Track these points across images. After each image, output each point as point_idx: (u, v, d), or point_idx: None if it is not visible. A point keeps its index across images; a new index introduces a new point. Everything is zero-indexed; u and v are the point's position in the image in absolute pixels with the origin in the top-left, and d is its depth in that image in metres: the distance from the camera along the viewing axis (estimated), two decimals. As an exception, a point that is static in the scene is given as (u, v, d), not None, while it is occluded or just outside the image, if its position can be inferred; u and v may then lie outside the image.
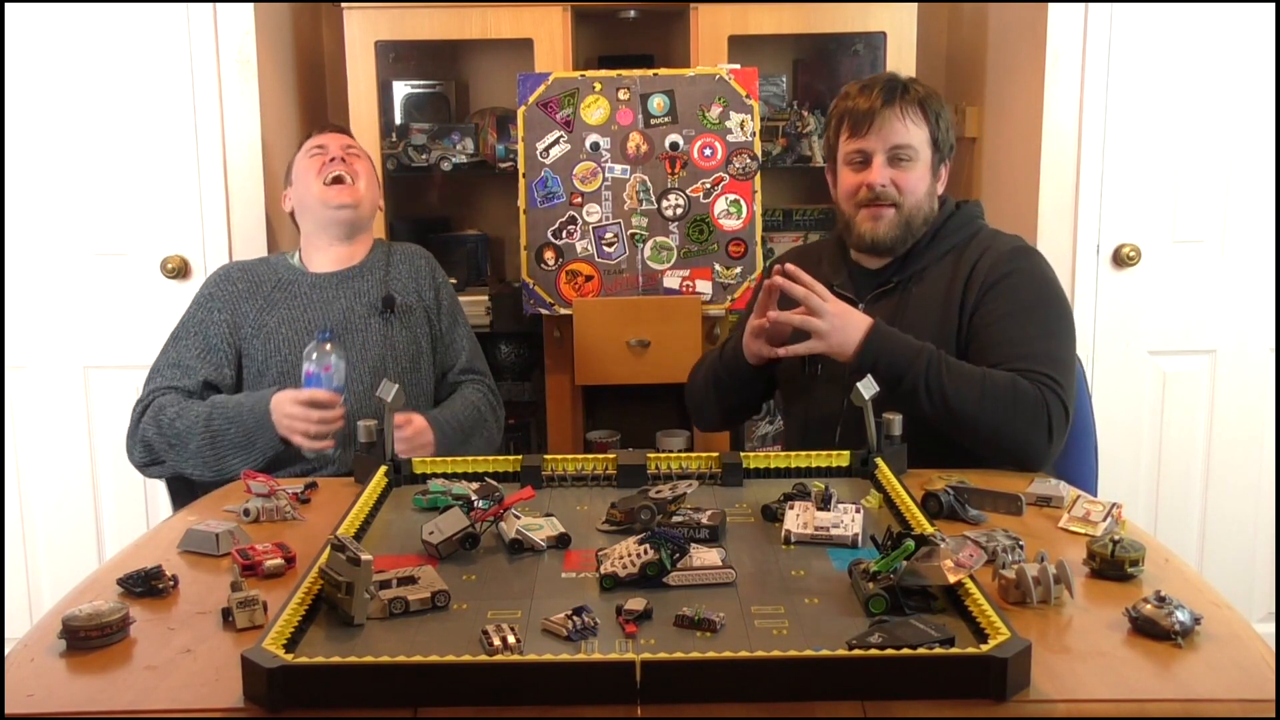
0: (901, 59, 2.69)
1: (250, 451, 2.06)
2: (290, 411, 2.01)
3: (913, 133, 1.95)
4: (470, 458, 1.79)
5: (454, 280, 2.96)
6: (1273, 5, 2.66)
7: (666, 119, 2.53)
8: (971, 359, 1.89)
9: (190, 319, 2.25)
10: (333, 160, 2.27)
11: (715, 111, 2.53)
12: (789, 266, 1.89)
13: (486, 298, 2.89)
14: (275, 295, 2.25)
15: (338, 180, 2.26)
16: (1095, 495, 1.76)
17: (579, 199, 2.54)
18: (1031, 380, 1.81)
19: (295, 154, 2.36)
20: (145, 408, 2.15)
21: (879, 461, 1.71)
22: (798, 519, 1.50)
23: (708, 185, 2.54)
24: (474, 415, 2.25)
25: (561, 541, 1.48)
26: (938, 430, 1.83)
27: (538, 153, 2.54)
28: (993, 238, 2.01)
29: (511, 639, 1.15)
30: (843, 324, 1.85)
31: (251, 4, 2.71)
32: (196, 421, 2.08)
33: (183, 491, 2.22)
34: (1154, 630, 1.19)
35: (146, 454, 2.14)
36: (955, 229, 2.01)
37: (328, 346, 1.99)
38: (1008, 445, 1.81)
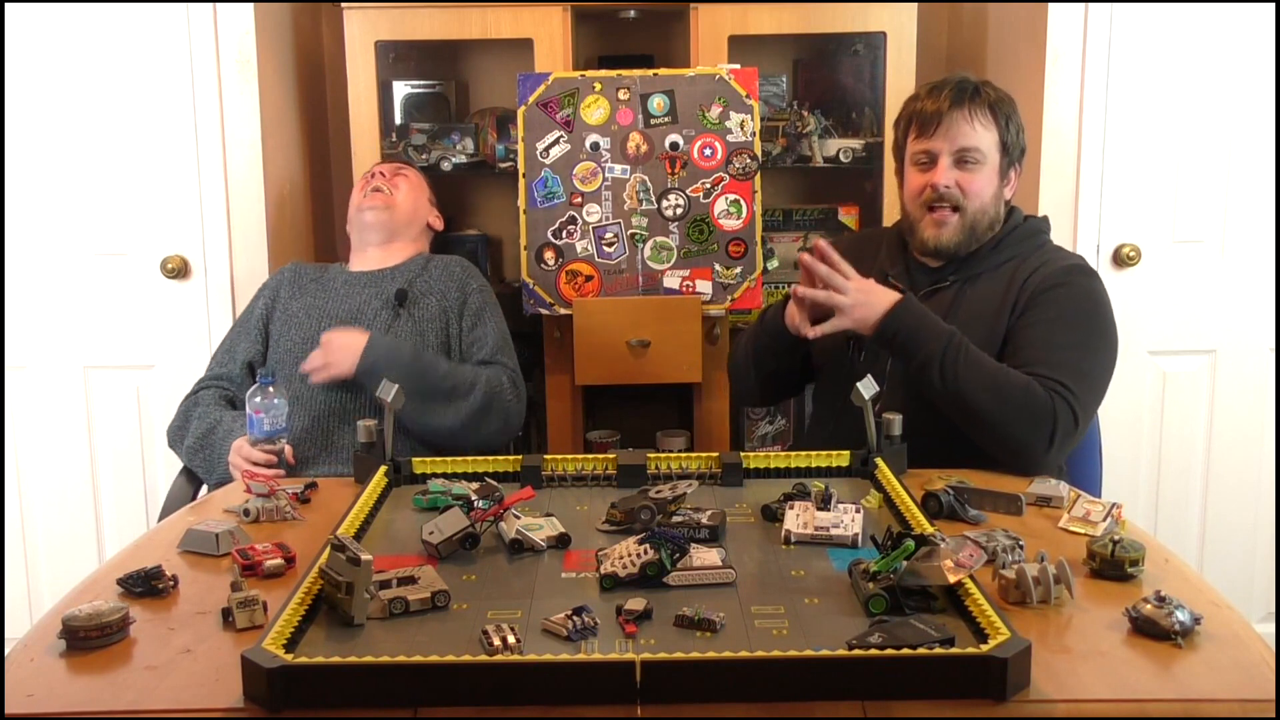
0: (901, 59, 2.69)
1: (218, 474, 2.21)
2: (235, 461, 2.11)
3: (980, 135, 1.95)
4: (470, 458, 1.79)
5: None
6: (1273, 5, 2.66)
7: (666, 119, 2.53)
8: (1004, 359, 1.89)
9: (249, 305, 2.46)
10: (374, 175, 2.49)
11: (715, 111, 2.53)
12: (819, 243, 1.91)
13: (486, 298, 2.88)
14: (310, 287, 2.41)
15: (376, 190, 2.46)
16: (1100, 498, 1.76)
17: (579, 199, 2.54)
18: (1048, 386, 1.80)
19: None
20: (194, 397, 2.33)
21: (879, 461, 1.71)
22: (798, 519, 1.50)
23: (708, 185, 2.54)
24: (471, 379, 2.22)
25: (561, 541, 1.48)
26: (945, 414, 1.82)
27: (538, 153, 2.54)
28: (1054, 253, 2.02)
29: (511, 639, 1.15)
30: (866, 299, 1.86)
31: (251, 4, 2.70)
32: (206, 419, 2.26)
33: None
34: (1154, 630, 1.19)
35: (172, 434, 2.33)
36: (1019, 239, 2.01)
37: (271, 389, 2.04)
38: (1007, 443, 1.81)
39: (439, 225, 2.59)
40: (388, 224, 2.43)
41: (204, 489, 2.28)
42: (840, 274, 1.88)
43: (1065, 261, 1.98)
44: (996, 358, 1.89)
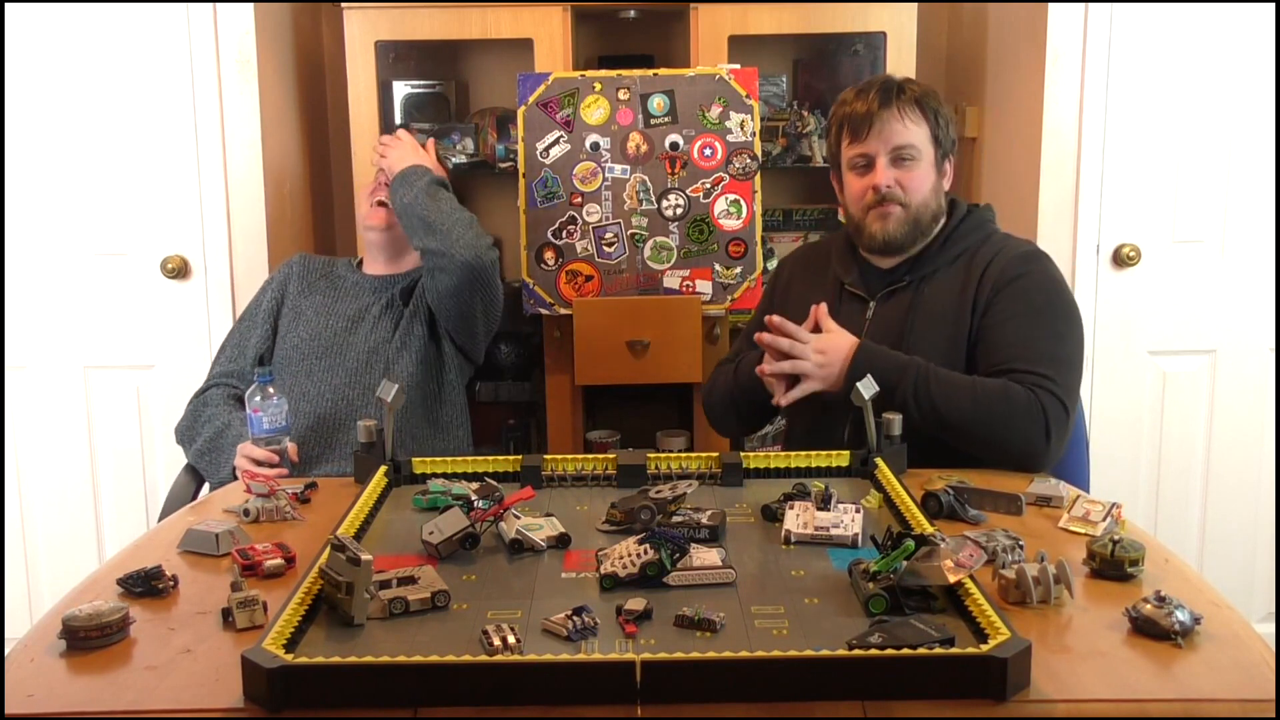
0: (901, 59, 2.69)
1: (225, 473, 2.21)
2: (239, 462, 2.11)
3: (913, 132, 1.96)
4: (470, 458, 1.79)
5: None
6: (1273, 5, 2.66)
7: (666, 119, 2.53)
8: (978, 359, 1.90)
9: (252, 303, 2.46)
10: (378, 186, 2.44)
11: (715, 111, 2.53)
12: (772, 320, 1.92)
13: (486, 298, 2.88)
14: (320, 284, 2.43)
15: (381, 204, 2.41)
16: (1088, 492, 1.76)
17: (579, 199, 2.54)
18: (1028, 382, 1.81)
19: None
20: (203, 394, 2.34)
21: (879, 461, 1.71)
22: (798, 519, 1.50)
23: (708, 185, 2.54)
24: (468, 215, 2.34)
25: (561, 541, 1.48)
26: (939, 440, 1.83)
27: (538, 153, 2.54)
28: (1004, 241, 2.02)
29: (511, 639, 1.15)
30: (826, 359, 1.88)
31: (251, 4, 2.70)
32: (218, 420, 2.26)
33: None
34: (1154, 630, 1.19)
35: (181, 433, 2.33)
36: (967, 232, 2.02)
37: (270, 389, 2.05)
38: (1006, 449, 1.81)
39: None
40: (391, 244, 2.44)
41: (205, 488, 2.28)
42: (799, 341, 1.89)
43: (1018, 249, 1.99)
44: (965, 354, 1.91)
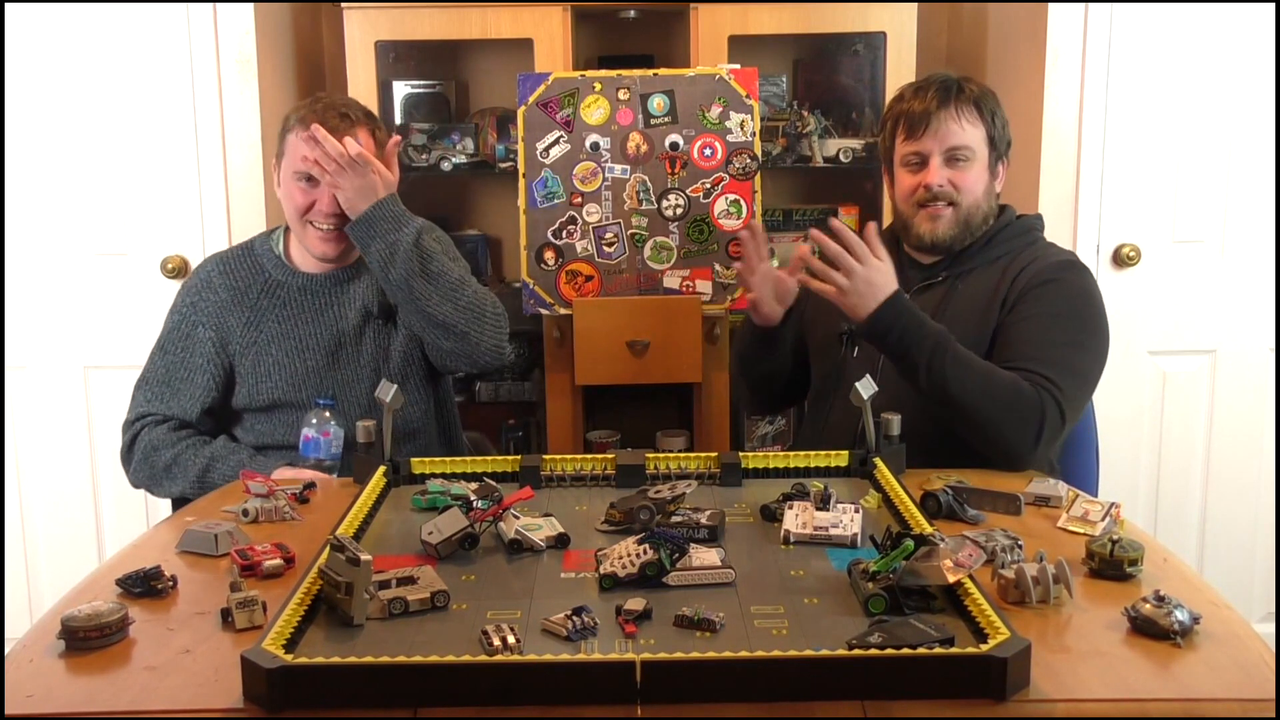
0: (901, 59, 2.69)
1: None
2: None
3: (969, 133, 1.96)
4: (469, 458, 1.79)
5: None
6: (1273, 5, 2.65)
7: (666, 119, 2.53)
8: (994, 354, 1.90)
9: (174, 332, 2.12)
10: (323, 212, 2.04)
11: (715, 111, 2.53)
12: (834, 222, 1.88)
13: (486, 298, 2.88)
14: (263, 303, 2.11)
15: (333, 228, 2.06)
16: (1097, 496, 1.76)
17: (579, 199, 2.54)
18: (1037, 383, 1.81)
19: (289, 125, 2.07)
20: (135, 437, 2.07)
21: (877, 461, 1.71)
22: (797, 519, 1.50)
23: (708, 185, 2.54)
24: (463, 274, 2.07)
25: (561, 541, 1.48)
26: (931, 408, 1.83)
27: (538, 153, 2.54)
28: (1046, 249, 2.02)
29: (511, 639, 1.15)
30: (866, 288, 1.84)
31: (251, 4, 2.71)
32: (191, 469, 2.02)
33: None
34: (1153, 630, 1.19)
35: (148, 484, 2.09)
36: (1012, 236, 2.02)
37: (328, 414, 1.97)
38: (993, 440, 1.82)
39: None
40: (336, 249, 2.09)
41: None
42: (855, 256, 1.84)
43: (1057, 257, 1.99)
44: (986, 353, 1.90)
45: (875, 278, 1.85)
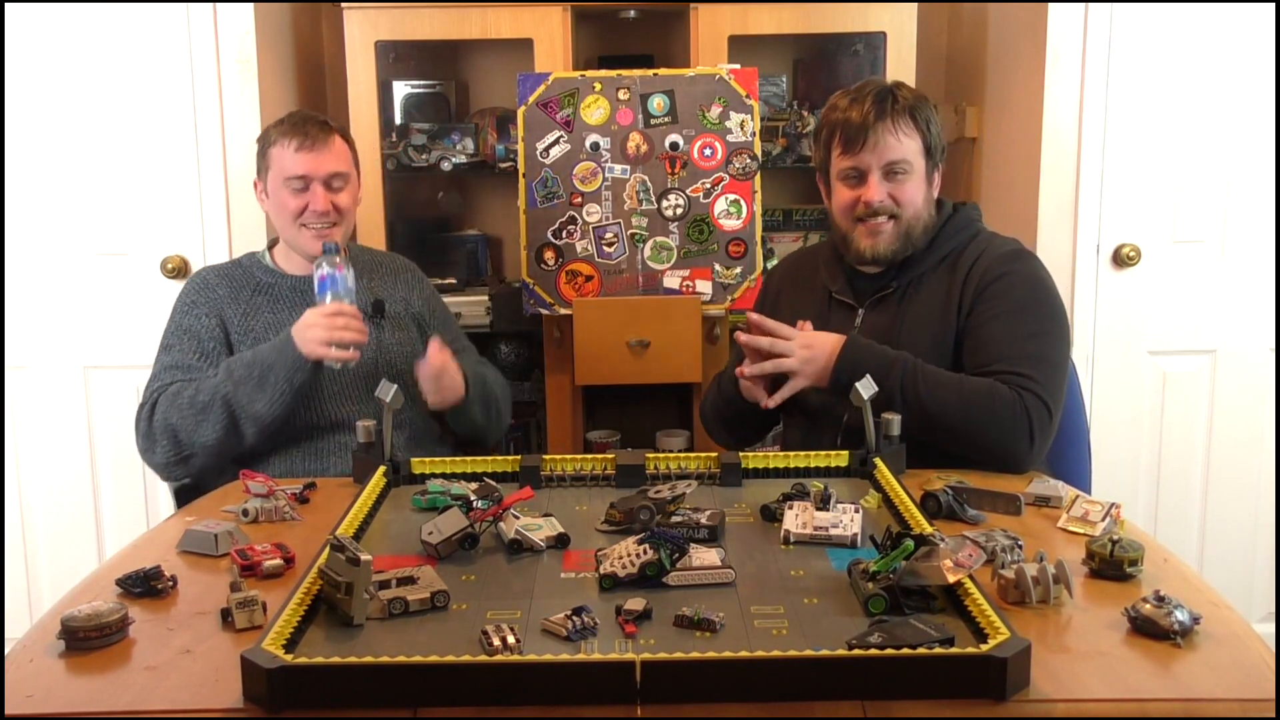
0: (901, 59, 2.69)
1: (274, 389, 2.00)
2: (313, 321, 1.98)
3: (906, 145, 1.93)
4: (469, 458, 1.79)
5: (453, 280, 2.97)
6: (1273, 5, 2.66)
7: (666, 119, 2.53)
8: (964, 360, 1.90)
9: (177, 327, 2.18)
10: (316, 212, 2.11)
11: (715, 111, 2.53)
12: (751, 316, 1.92)
13: (486, 298, 2.88)
14: (256, 300, 2.17)
15: (329, 228, 2.13)
16: (1089, 492, 1.76)
17: (579, 199, 2.54)
18: (1012, 383, 1.81)
19: (271, 140, 2.15)
20: (153, 404, 2.08)
21: (878, 461, 1.71)
22: (797, 519, 1.50)
23: (708, 185, 2.54)
24: (499, 390, 2.30)
25: (561, 541, 1.48)
26: (921, 437, 1.82)
27: (538, 153, 2.54)
28: (989, 240, 2.01)
29: (511, 639, 1.15)
30: (812, 354, 1.87)
31: (251, 4, 2.71)
32: (216, 382, 2.03)
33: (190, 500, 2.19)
34: (1153, 630, 1.19)
35: (172, 446, 2.05)
36: (953, 233, 2.01)
37: (337, 258, 2.00)
38: (990, 449, 1.81)
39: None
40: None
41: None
42: (781, 338, 1.88)
43: (1003, 248, 1.98)
44: (950, 355, 1.90)
45: (812, 340, 1.88)
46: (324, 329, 1.97)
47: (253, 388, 2.01)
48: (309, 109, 2.99)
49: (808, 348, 1.87)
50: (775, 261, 2.93)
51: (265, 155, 2.16)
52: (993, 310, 1.90)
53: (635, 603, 1.23)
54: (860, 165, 1.95)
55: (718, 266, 2.56)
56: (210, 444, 2.04)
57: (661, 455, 1.78)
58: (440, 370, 2.08)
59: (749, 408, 2.01)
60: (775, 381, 1.92)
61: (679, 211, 2.54)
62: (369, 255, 2.35)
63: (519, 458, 1.77)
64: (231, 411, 2.01)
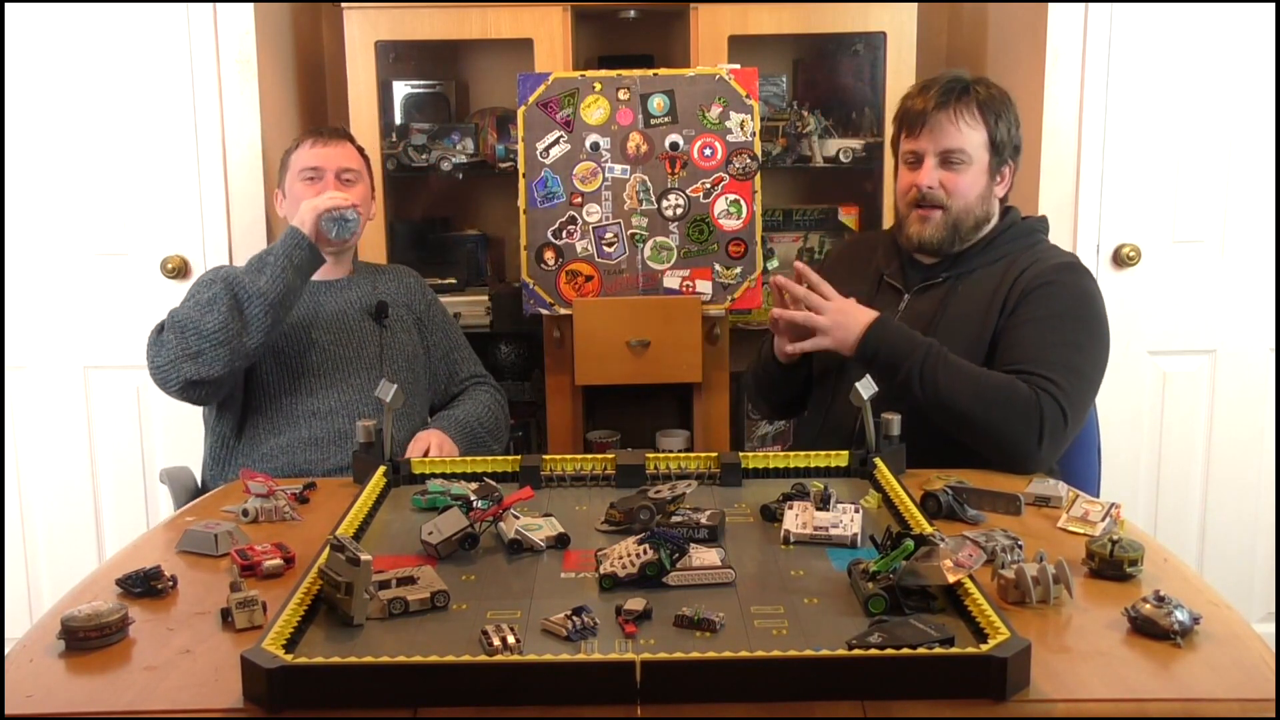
0: (901, 59, 2.69)
1: (274, 266, 2.04)
2: (317, 204, 2.10)
3: (966, 136, 1.95)
4: (469, 458, 1.79)
5: (453, 280, 2.97)
6: (1273, 5, 2.65)
7: (666, 119, 2.53)
8: (995, 359, 1.90)
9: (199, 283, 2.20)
10: (330, 191, 2.19)
11: (715, 111, 2.53)
12: (797, 265, 1.95)
13: (486, 298, 2.88)
14: None
15: (344, 220, 2.17)
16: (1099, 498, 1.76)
17: (579, 199, 2.54)
18: (1033, 383, 1.81)
19: (291, 150, 2.31)
20: (163, 323, 2.09)
21: (878, 461, 1.71)
22: (797, 519, 1.50)
23: (708, 185, 2.54)
24: (491, 417, 2.34)
25: (561, 541, 1.48)
26: (934, 423, 1.83)
27: (538, 153, 2.54)
28: (1047, 251, 2.02)
29: (511, 639, 1.15)
30: (844, 319, 1.90)
31: (251, 4, 2.70)
32: (220, 279, 2.06)
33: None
34: (1153, 630, 1.19)
35: (179, 340, 2.03)
36: (1013, 238, 2.02)
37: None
38: (998, 444, 1.81)
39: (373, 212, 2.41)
40: (349, 251, 2.33)
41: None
42: (819, 294, 1.92)
43: (1057, 259, 1.99)
44: (986, 355, 1.91)
45: (848, 308, 1.91)
46: (312, 199, 2.10)
47: (254, 272, 2.06)
48: (309, 109, 3.01)
49: (841, 312, 1.91)
50: (775, 262, 2.93)
51: (285, 163, 2.31)
52: (1031, 314, 1.90)
53: (635, 603, 1.23)
54: (918, 149, 1.99)
55: (718, 266, 2.55)
56: (216, 330, 2.00)
57: (661, 455, 1.78)
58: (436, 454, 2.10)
59: (781, 373, 2.07)
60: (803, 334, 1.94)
61: (679, 211, 2.54)
62: (371, 266, 2.42)
63: (519, 458, 1.78)
64: (234, 293, 2.02)
